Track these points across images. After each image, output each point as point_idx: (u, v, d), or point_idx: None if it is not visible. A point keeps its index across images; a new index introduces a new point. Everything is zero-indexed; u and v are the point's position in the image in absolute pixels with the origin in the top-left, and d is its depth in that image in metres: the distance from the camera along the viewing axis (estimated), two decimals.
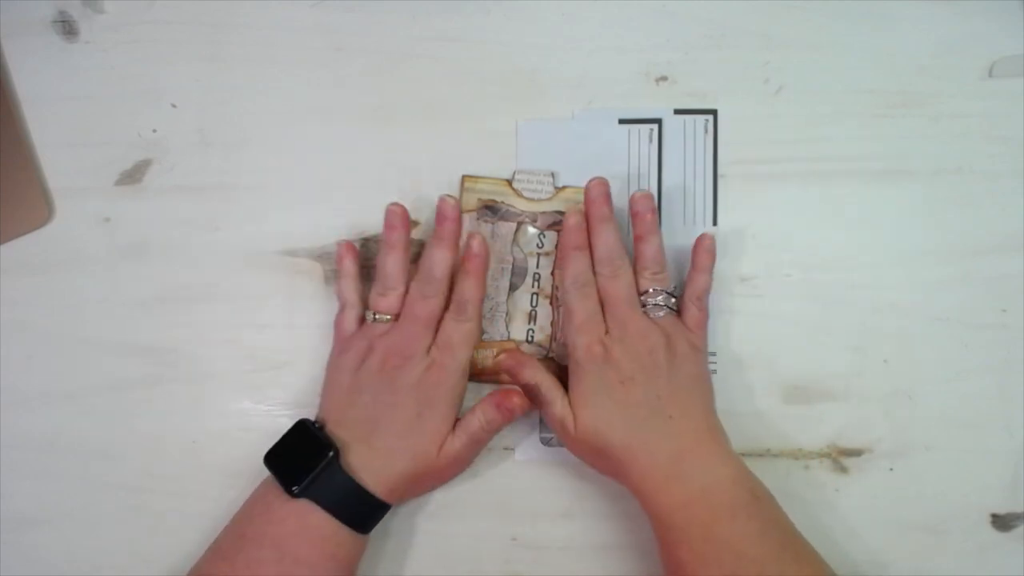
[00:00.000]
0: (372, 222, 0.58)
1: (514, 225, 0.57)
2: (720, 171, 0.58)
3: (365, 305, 0.55)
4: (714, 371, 0.56)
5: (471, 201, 0.58)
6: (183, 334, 0.57)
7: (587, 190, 0.54)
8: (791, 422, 0.56)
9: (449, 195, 0.54)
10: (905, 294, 0.56)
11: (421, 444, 0.51)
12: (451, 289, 0.54)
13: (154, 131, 0.59)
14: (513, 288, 0.57)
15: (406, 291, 0.54)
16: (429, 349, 0.52)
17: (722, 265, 0.57)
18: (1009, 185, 0.57)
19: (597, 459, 0.52)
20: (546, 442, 0.56)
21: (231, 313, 0.58)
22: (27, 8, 0.60)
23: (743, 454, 0.54)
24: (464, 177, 0.58)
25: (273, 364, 0.57)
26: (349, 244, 0.56)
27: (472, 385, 0.55)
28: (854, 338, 0.56)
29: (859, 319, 0.56)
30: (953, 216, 0.57)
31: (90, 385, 0.57)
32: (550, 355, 0.56)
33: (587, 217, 0.54)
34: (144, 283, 0.58)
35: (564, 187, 0.58)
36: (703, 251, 0.54)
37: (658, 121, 0.58)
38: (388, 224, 0.54)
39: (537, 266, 0.57)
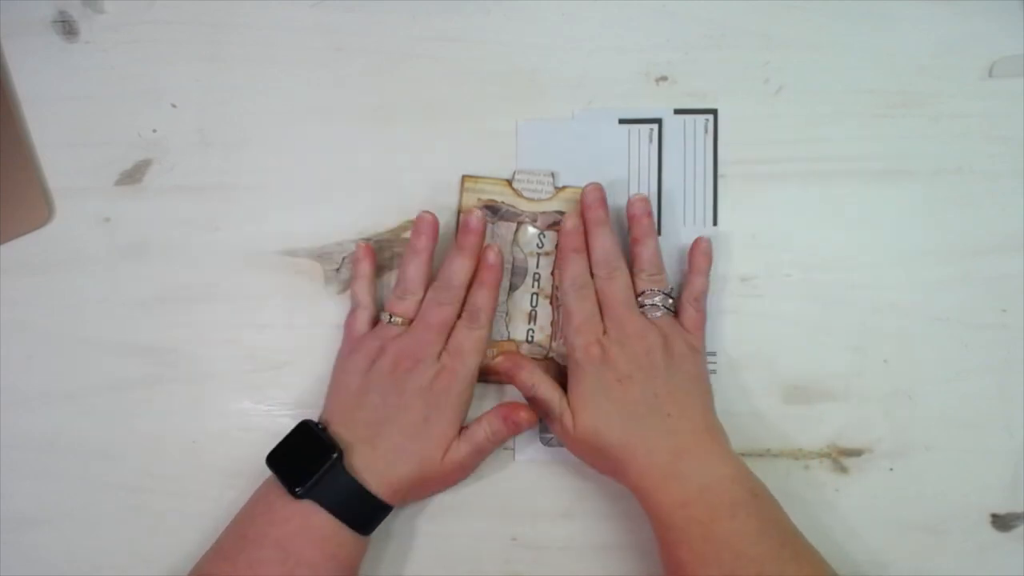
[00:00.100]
0: (372, 222, 0.58)
1: (514, 225, 0.57)
2: (720, 171, 0.58)
3: (377, 308, 0.56)
4: (714, 371, 0.56)
5: (471, 201, 0.58)
6: (183, 334, 0.57)
7: (583, 195, 0.55)
8: (791, 422, 0.56)
9: (477, 209, 0.55)
10: (905, 294, 0.56)
11: (427, 448, 0.51)
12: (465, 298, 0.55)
13: (154, 131, 0.59)
14: (513, 288, 0.57)
15: (423, 298, 0.54)
16: (440, 355, 0.53)
17: (722, 265, 0.57)
18: (1009, 185, 0.57)
19: (596, 458, 0.52)
20: (546, 442, 0.56)
21: (231, 313, 0.58)
22: (27, 8, 0.60)
23: (743, 454, 0.54)
24: (464, 177, 0.58)
25: (273, 364, 0.57)
26: (368, 246, 0.56)
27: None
28: (854, 338, 0.56)
29: (859, 319, 0.56)
30: (953, 216, 0.57)
31: (90, 385, 0.57)
32: (550, 355, 0.56)
33: (584, 221, 0.55)
34: (144, 283, 0.58)
35: (564, 187, 0.58)
36: (699, 254, 0.55)
37: (658, 121, 0.58)
38: (417, 230, 0.55)
39: (537, 266, 0.57)
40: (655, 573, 0.51)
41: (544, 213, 0.57)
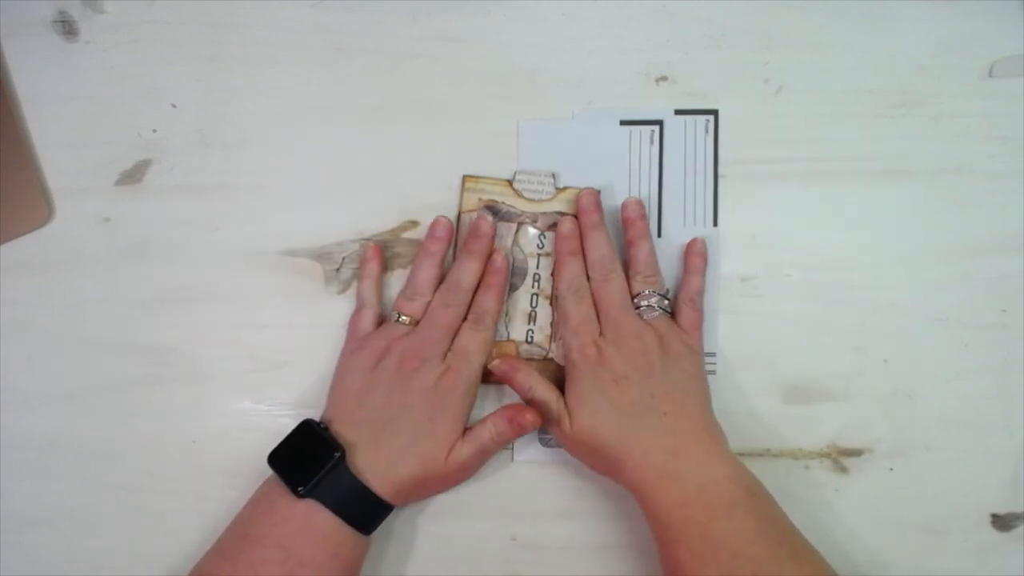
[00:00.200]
0: (372, 222, 0.58)
1: (514, 226, 0.57)
2: (720, 171, 0.58)
3: (382, 308, 0.56)
4: (713, 371, 0.56)
5: (472, 201, 0.58)
6: (183, 334, 0.57)
7: (579, 199, 0.56)
8: (791, 422, 0.56)
9: (487, 214, 0.56)
10: (905, 294, 0.56)
11: (430, 448, 0.52)
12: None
13: (154, 131, 0.59)
14: (513, 288, 0.57)
15: (431, 300, 0.55)
16: (445, 355, 0.53)
17: (722, 265, 0.57)
18: (1009, 185, 0.57)
19: (594, 459, 0.53)
20: (545, 443, 0.56)
21: (231, 313, 0.58)
22: (27, 8, 0.60)
23: (743, 454, 0.54)
24: (465, 177, 0.58)
25: (273, 364, 0.57)
26: (377, 247, 0.57)
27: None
28: (854, 338, 0.56)
29: (859, 319, 0.56)
30: (953, 216, 0.57)
31: (90, 385, 0.57)
32: (549, 355, 0.56)
33: (579, 225, 0.56)
34: (144, 283, 0.58)
35: (565, 188, 0.58)
36: (695, 254, 0.56)
37: (659, 122, 0.58)
38: (431, 234, 0.56)
39: (537, 267, 0.57)
40: (655, 573, 0.51)
41: (545, 214, 0.57)
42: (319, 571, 0.49)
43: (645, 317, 0.54)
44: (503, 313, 0.56)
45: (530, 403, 0.54)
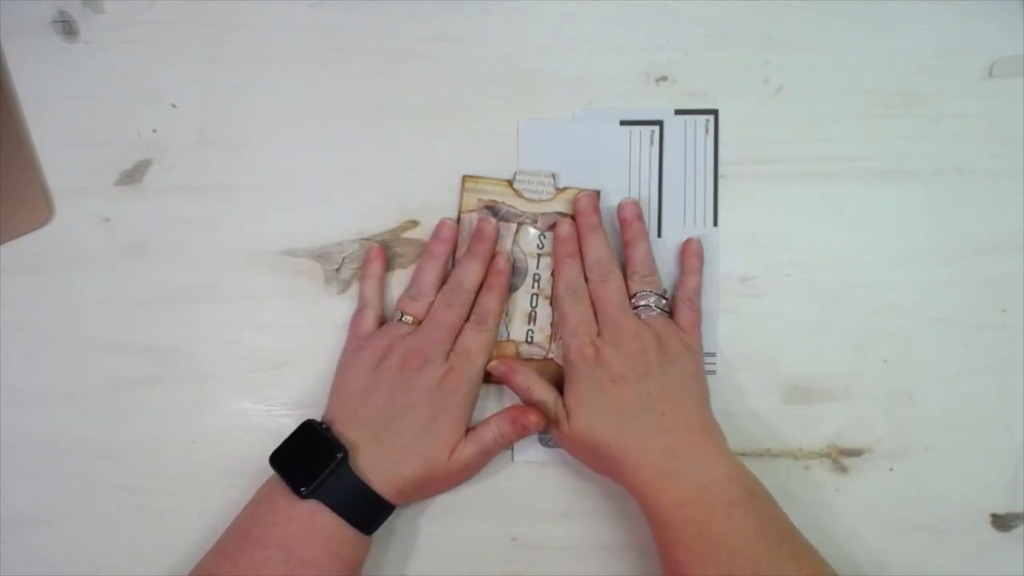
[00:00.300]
0: (372, 222, 0.58)
1: (514, 226, 0.57)
2: (720, 171, 0.58)
3: (384, 309, 0.57)
4: (713, 371, 0.56)
5: (472, 201, 0.58)
6: (183, 334, 0.57)
7: (576, 201, 0.56)
8: (791, 422, 0.56)
9: (487, 215, 0.56)
10: (905, 294, 0.56)
11: (433, 448, 0.52)
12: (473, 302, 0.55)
13: (154, 131, 0.59)
14: (513, 288, 0.57)
15: (434, 301, 0.55)
16: (447, 356, 0.53)
17: (722, 265, 0.57)
18: (1009, 185, 0.57)
19: (593, 458, 0.53)
20: (545, 443, 0.56)
21: (231, 313, 0.58)
22: (27, 8, 0.60)
23: (743, 454, 0.54)
24: (465, 177, 0.58)
25: (273, 364, 0.57)
26: (380, 248, 0.57)
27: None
28: (854, 338, 0.56)
29: (859, 319, 0.56)
30: (953, 216, 0.57)
31: (90, 385, 0.57)
32: (549, 355, 0.56)
33: (577, 226, 0.56)
34: (144, 283, 0.58)
35: (565, 188, 0.58)
36: (690, 254, 0.56)
37: (659, 123, 0.58)
38: (436, 236, 0.56)
39: (537, 267, 0.57)
40: (654, 573, 0.51)
41: (545, 214, 0.57)
42: (320, 571, 0.49)
43: (643, 317, 0.54)
44: (504, 313, 0.56)
45: (529, 403, 0.54)
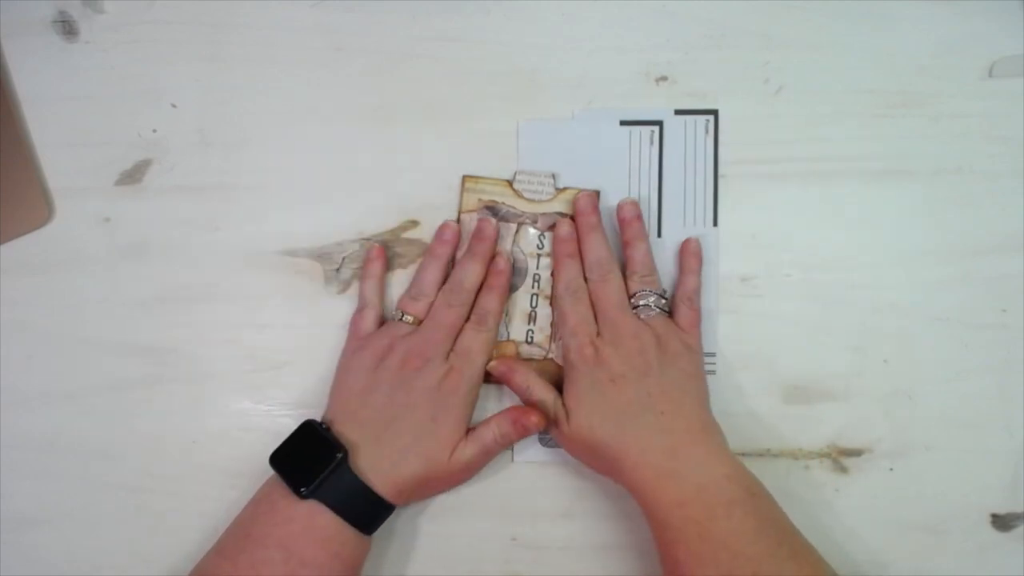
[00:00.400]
0: (372, 222, 0.58)
1: (514, 226, 0.57)
2: (720, 171, 0.58)
3: (384, 309, 0.57)
4: (713, 371, 0.56)
5: (472, 201, 0.58)
6: (183, 334, 0.57)
7: (576, 201, 0.56)
8: (791, 422, 0.56)
9: (487, 215, 0.56)
10: (905, 294, 0.56)
11: (434, 448, 0.52)
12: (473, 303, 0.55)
13: (154, 131, 0.59)
14: (513, 288, 0.57)
15: (434, 301, 0.55)
16: (448, 356, 0.53)
17: (722, 265, 0.57)
18: (1009, 185, 0.57)
19: (592, 458, 0.53)
20: (545, 443, 0.56)
21: (231, 313, 0.58)
22: (27, 8, 0.60)
23: (743, 454, 0.54)
24: (465, 177, 0.58)
25: (273, 364, 0.57)
26: (380, 248, 0.57)
27: None
28: (854, 338, 0.56)
29: (859, 319, 0.56)
30: (953, 216, 0.57)
31: (90, 385, 0.57)
32: (549, 355, 0.56)
33: (577, 227, 0.56)
34: (144, 283, 0.58)
35: (565, 188, 0.58)
36: (689, 254, 0.56)
37: (659, 123, 0.58)
38: (439, 237, 0.56)
39: (537, 267, 0.57)
40: (655, 573, 0.51)
41: (545, 214, 0.57)
42: (320, 571, 0.49)
43: (642, 316, 0.54)
44: (504, 313, 0.57)
45: (528, 403, 0.54)
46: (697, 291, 0.55)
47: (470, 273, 0.55)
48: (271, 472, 0.51)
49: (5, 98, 0.59)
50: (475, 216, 0.57)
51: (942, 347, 0.56)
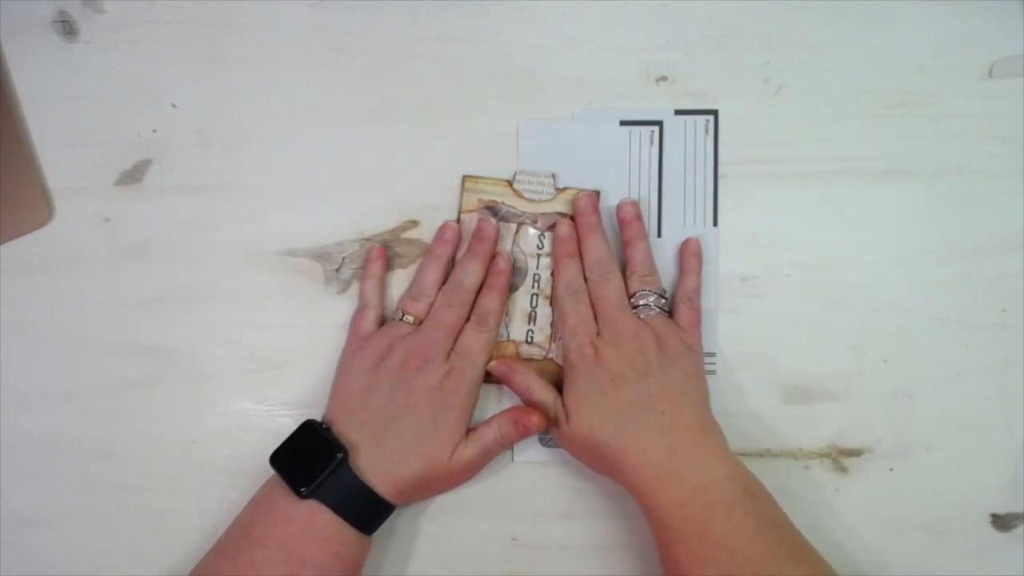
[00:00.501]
0: (372, 222, 0.58)
1: (514, 226, 0.57)
2: (720, 171, 0.58)
3: (384, 309, 0.57)
4: (713, 371, 0.56)
5: (472, 201, 0.58)
6: (183, 334, 0.57)
7: (576, 201, 0.56)
8: (791, 422, 0.56)
9: (487, 215, 0.56)
10: (905, 294, 0.56)
11: (434, 448, 0.52)
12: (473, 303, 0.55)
13: (154, 131, 0.59)
14: (513, 288, 0.57)
15: (435, 302, 0.55)
16: (448, 356, 0.53)
17: (722, 265, 0.57)
18: (1009, 185, 0.57)
19: (592, 458, 0.53)
20: (545, 443, 0.56)
21: (231, 313, 0.58)
22: (27, 8, 0.60)
23: (742, 454, 0.54)
24: (465, 177, 0.58)
25: (273, 364, 0.57)
26: (381, 248, 0.57)
27: None
28: (854, 338, 0.56)
29: (859, 319, 0.56)
30: (953, 216, 0.57)
31: (90, 385, 0.57)
32: (549, 355, 0.56)
33: (577, 227, 0.56)
34: (144, 283, 0.58)
35: (565, 188, 0.58)
36: (689, 254, 0.56)
37: (659, 123, 0.58)
38: (439, 238, 0.56)
39: (537, 267, 0.57)
40: (655, 573, 0.51)
41: (545, 214, 0.57)
42: (320, 571, 0.49)
43: (642, 316, 0.54)
44: (504, 313, 0.57)
45: (528, 403, 0.54)
46: (697, 291, 0.56)
47: (470, 273, 0.55)
48: (271, 472, 0.51)
49: (5, 98, 0.59)
50: (475, 216, 0.57)
51: (942, 347, 0.56)
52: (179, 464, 0.56)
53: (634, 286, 0.55)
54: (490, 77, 0.59)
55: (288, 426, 0.52)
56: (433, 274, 0.56)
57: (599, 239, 0.55)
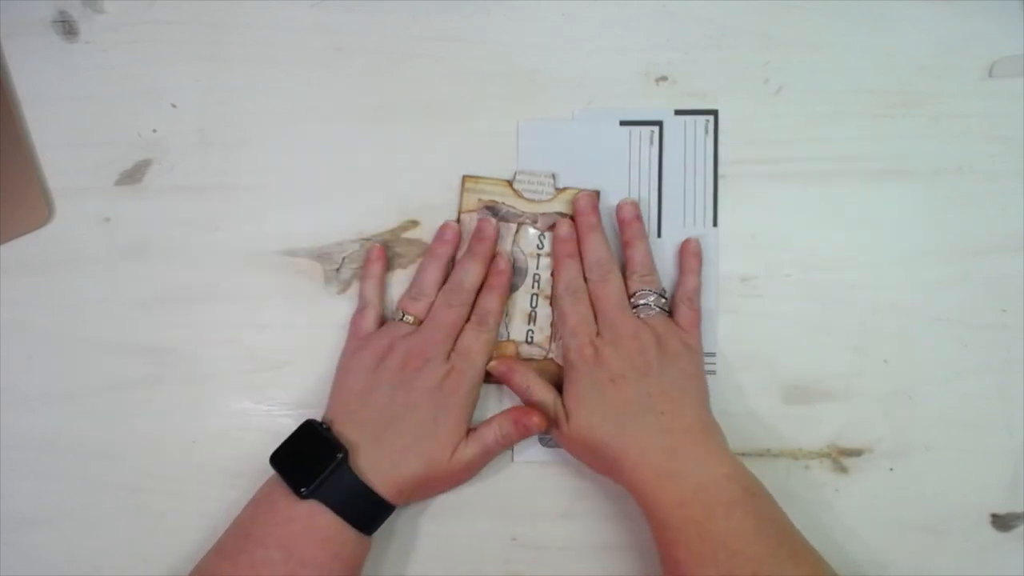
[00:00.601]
0: (372, 222, 0.58)
1: (514, 226, 0.57)
2: (720, 171, 0.58)
3: (384, 309, 0.57)
4: (713, 371, 0.56)
5: (471, 201, 0.58)
6: (183, 334, 0.57)
7: (576, 201, 0.56)
8: (791, 422, 0.56)
9: (487, 215, 0.56)
10: (905, 294, 0.57)
11: (434, 448, 0.52)
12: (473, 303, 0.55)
13: (154, 131, 0.59)
14: (513, 288, 0.57)
15: (435, 302, 0.55)
16: (448, 356, 0.53)
17: (722, 265, 0.57)
18: (1009, 185, 0.57)
19: (592, 458, 0.53)
20: (545, 443, 0.56)
21: (231, 313, 0.58)
22: (27, 8, 0.60)
23: (743, 454, 0.54)
24: (465, 177, 0.58)
25: (273, 364, 0.57)
26: (381, 249, 0.57)
27: None
28: (854, 338, 0.56)
29: (859, 319, 0.56)
30: (953, 216, 0.57)
31: (90, 385, 0.57)
32: (549, 355, 0.56)
33: (577, 227, 0.56)
34: (144, 283, 0.58)
35: (565, 188, 0.58)
36: (689, 254, 0.56)
37: (659, 123, 0.58)
38: (439, 238, 0.56)
39: (537, 267, 0.57)
40: (655, 573, 0.51)
41: (545, 214, 0.57)
42: (320, 571, 0.49)
43: (642, 316, 0.54)
44: (504, 313, 0.57)
45: (528, 403, 0.54)
46: (697, 291, 0.56)
47: (470, 273, 0.55)
48: (271, 472, 0.51)
49: (5, 98, 0.59)
50: (475, 216, 0.57)
51: (942, 347, 0.56)
52: (179, 464, 0.56)
53: (634, 286, 0.55)
54: (490, 77, 0.59)
55: (288, 426, 0.52)
56: (433, 274, 0.56)
57: (599, 239, 0.55)
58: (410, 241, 0.58)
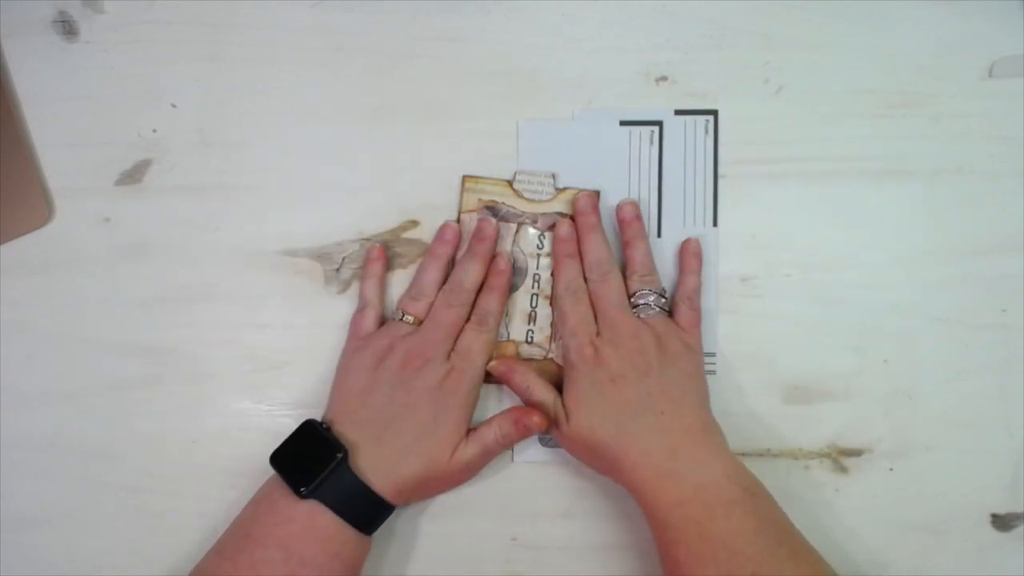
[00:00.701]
0: (372, 222, 0.58)
1: (514, 226, 0.57)
2: (720, 171, 0.58)
3: (384, 309, 0.57)
4: (713, 371, 0.56)
5: (471, 201, 0.58)
6: (183, 334, 0.58)
7: (575, 201, 0.56)
8: (791, 422, 0.56)
9: (487, 215, 0.56)
10: (905, 294, 0.57)
11: (434, 448, 0.52)
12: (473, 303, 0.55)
13: (154, 131, 0.59)
14: (513, 288, 0.57)
15: (435, 302, 0.55)
16: (448, 356, 0.53)
17: (722, 265, 0.57)
18: (1009, 185, 0.57)
19: (592, 458, 0.53)
20: (545, 443, 0.56)
21: (231, 313, 0.58)
22: (27, 8, 0.60)
23: (743, 454, 0.54)
24: (465, 177, 0.58)
25: (273, 364, 0.57)
26: (381, 249, 0.57)
27: None
28: (854, 338, 0.56)
29: (859, 319, 0.56)
30: (953, 216, 0.57)
31: (90, 385, 0.57)
32: (549, 355, 0.56)
33: (577, 227, 0.56)
34: (144, 283, 0.58)
35: (565, 188, 0.58)
36: (689, 255, 0.56)
37: (659, 123, 0.58)
38: (439, 238, 0.56)
39: (537, 267, 0.57)
40: (655, 573, 0.51)
41: (545, 214, 0.57)
42: (320, 571, 0.49)
43: (642, 316, 0.54)
44: (504, 313, 0.57)
45: (528, 403, 0.54)
46: (697, 291, 0.56)
47: (470, 273, 0.55)
48: (271, 472, 0.51)
49: (5, 98, 0.59)
50: (475, 216, 0.57)
51: (942, 347, 0.56)
52: (179, 464, 0.56)
53: (634, 286, 0.55)
54: (490, 77, 0.59)
55: (288, 426, 0.52)
56: (433, 274, 0.56)
57: (599, 239, 0.55)
58: (410, 241, 0.58)
